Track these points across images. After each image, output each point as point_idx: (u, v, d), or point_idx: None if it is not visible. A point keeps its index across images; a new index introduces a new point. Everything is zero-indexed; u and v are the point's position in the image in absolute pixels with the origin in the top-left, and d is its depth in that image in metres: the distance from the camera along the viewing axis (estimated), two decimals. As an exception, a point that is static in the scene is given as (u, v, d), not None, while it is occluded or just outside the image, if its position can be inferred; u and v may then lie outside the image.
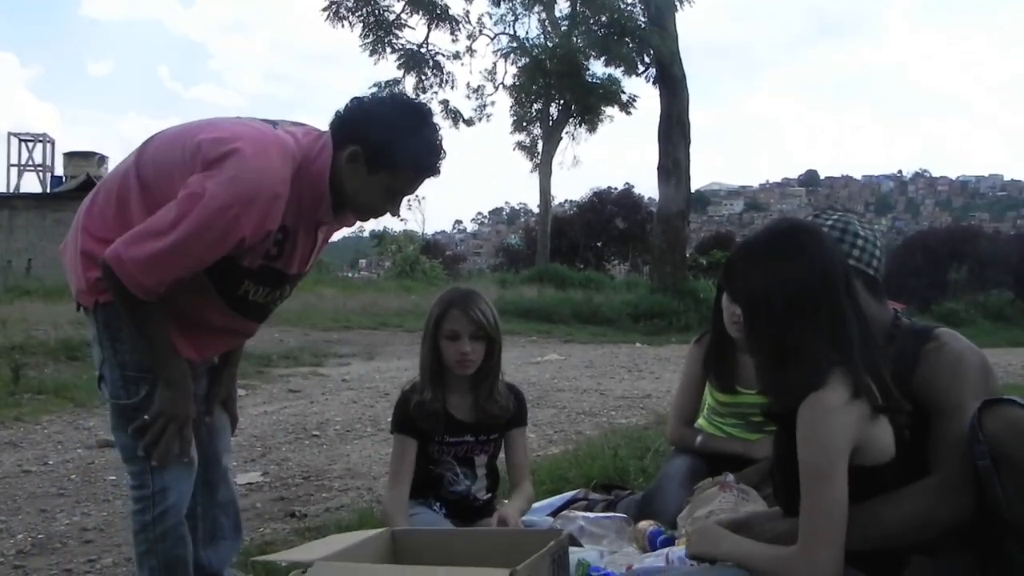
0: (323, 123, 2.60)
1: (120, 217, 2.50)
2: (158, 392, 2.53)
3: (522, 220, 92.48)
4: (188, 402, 2.57)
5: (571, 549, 2.84)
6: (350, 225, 2.84)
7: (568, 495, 4.02)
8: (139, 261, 2.34)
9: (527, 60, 29.90)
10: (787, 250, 2.12)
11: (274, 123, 2.59)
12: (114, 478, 5.38)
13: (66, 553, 4.04)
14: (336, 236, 3.13)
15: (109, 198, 2.56)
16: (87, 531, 4.36)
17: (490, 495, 3.33)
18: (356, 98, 2.55)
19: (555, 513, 3.56)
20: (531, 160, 35.83)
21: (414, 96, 28.63)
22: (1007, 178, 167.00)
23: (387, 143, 2.44)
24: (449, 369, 3.18)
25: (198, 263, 2.43)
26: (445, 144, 2.58)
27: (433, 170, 2.55)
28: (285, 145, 2.47)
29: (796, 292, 2.07)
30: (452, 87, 28.93)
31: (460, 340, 3.13)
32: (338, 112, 2.54)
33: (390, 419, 3.33)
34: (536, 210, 40.34)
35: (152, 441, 2.51)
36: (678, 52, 22.19)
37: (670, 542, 3.08)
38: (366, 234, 43.33)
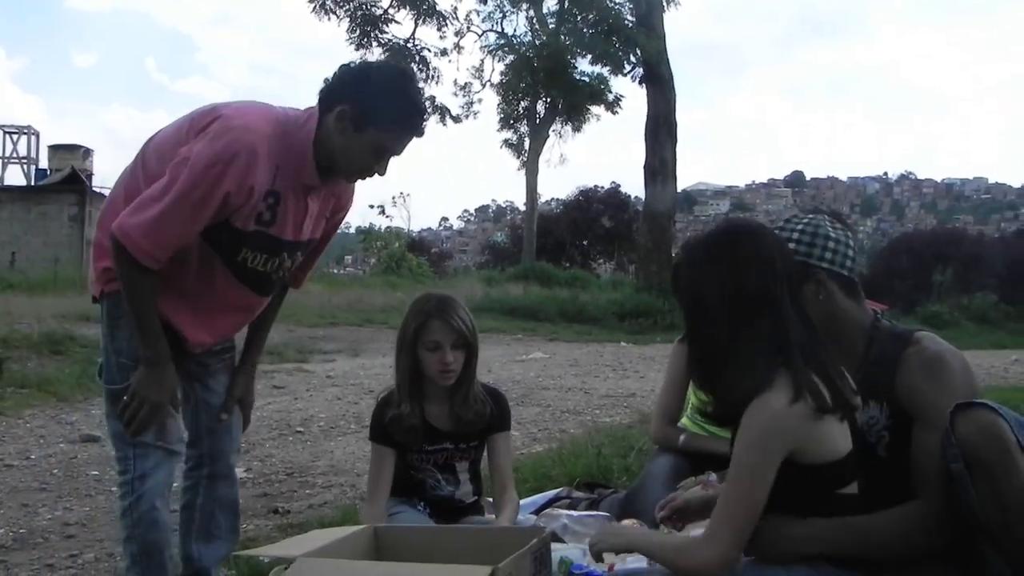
0: None
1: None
2: (136, 372, 2.59)
3: (508, 218, 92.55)
4: (164, 388, 2.62)
5: (554, 546, 2.85)
6: (342, 195, 2.88)
7: (551, 493, 4.03)
8: (140, 226, 2.45)
9: (514, 57, 29.90)
10: (725, 252, 2.11)
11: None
12: (96, 473, 5.37)
13: (48, 548, 4.03)
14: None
15: (118, 194, 2.68)
16: (69, 526, 4.35)
17: (476, 497, 3.33)
18: (343, 64, 2.64)
19: (538, 511, 3.57)
20: (518, 158, 35.82)
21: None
22: (992, 181, 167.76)
23: (374, 101, 2.51)
24: (428, 379, 3.12)
25: (192, 223, 2.51)
26: (430, 130, 2.70)
27: (418, 129, 2.62)
28: (268, 109, 2.60)
29: (734, 294, 2.07)
30: (439, 83, 28.98)
31: (442, 350, 3.06)
32: (326, 79, 2.62)
33: (368, 424, 3.33)
34: (522, 208, 40.36)
35: (128, 419, 2.60)
36: (665, 52, 22.26)
37: (653, 541, 3.08)
38: (352, 230, 43.29)
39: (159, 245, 2.48)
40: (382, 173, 2.67)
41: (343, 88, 2.56)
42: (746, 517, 2.02)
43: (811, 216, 2.47)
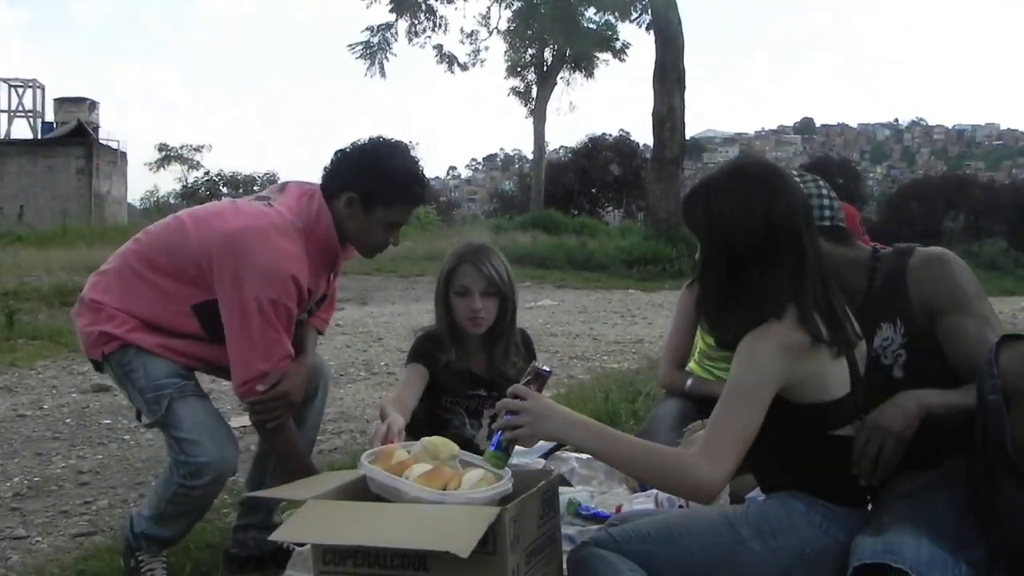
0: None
1: (123, 284, 2.78)
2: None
3: (516, 166, 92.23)
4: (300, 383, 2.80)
5: (561, 489, 2.88)
6: (347, 259, 3.02)
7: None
8: (252, 362, 2.67)
9: (521, 4, 29.61)
10: (753, 186, 2.10)
11: (268, 200, 2.86)
12: (108, 422, 5.42)
13: (62, 495, 4.08)
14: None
15: (110, 269, 2.84)
16: (82, 474, 4.40)
17: None
18: (339, 151, 2.83)
19: (546, 455, 3.59)
20: (526, 106, 35.67)
21: (407, 40, 28.50)
22: (1004, 127, 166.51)
23: (376, 184, 2.72)
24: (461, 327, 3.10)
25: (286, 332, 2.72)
26: (424, 170, 2.88)
27: (423, 198, 2.86)
28: (283, 223, 2.72)
29: (762, 224, 2.06)
30: (445, 31, 28.74)
31: (471, 296, 3.02)
32: (326, 167, 2.82)
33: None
34: (531, 156, 40.22)
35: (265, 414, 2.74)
36: (674, -3, 21.98)
37: (660, 483, 3.10)
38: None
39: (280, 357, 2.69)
40: (395, 243, 2.88)
41: (345, 176, 2.75)
42: (743, 437, 2.01)
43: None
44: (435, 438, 2.38)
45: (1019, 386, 1.98)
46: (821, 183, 2.45)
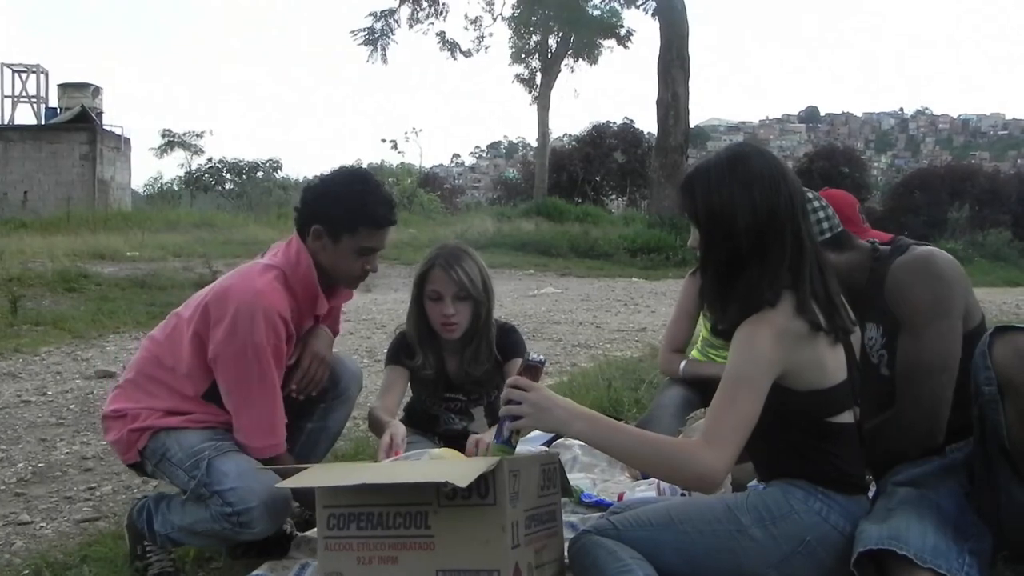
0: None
1: (139, 389, 2.79)
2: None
3: (520, 154, 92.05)
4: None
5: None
6: (347, 299, 3.06)
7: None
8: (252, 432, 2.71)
9: (525, -10, 29.54)
10: (754, 178, 2.10)
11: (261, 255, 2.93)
12: (113, 408, 5.43)
13: (66, 481, 4.09)
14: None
15: (127, 379, 2.84)
16: (87, 459, 4.41)
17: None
18: (306, 187, 2.88)
19: (549, 443, 3.60)
20: (530, 93, 35.58)
21: (408, 27, 28.42)
22: (1009, 117, 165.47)
23: (337, 211, 2.74)
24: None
25: (275, 394, 2.73)
26: (391, 195, 2.90)
27: (387, 219, 2.80)
28: (263, 270, 2.76)
29: (764, 214, 2.06)
30: (447, 18, 28.64)
31: (442, 302, 3.02)
32: (295, 207, 2.85)
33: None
34: (534, 144, 40.16)
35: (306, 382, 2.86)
36: (678, -18, 21.93)
37: (662, 472, 3.11)
38: (363, 167, 43.14)
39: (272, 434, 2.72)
40: (374, 270, 2.88)
41: (310, 210, 2.78)
42: (743, 425, 2.02)
43: None
44: (443, 450, 2.44)
45: (1012, 378, 1.98)
46: (811, 195, 2.44)
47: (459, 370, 3.15)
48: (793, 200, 2.10)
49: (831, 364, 2.10)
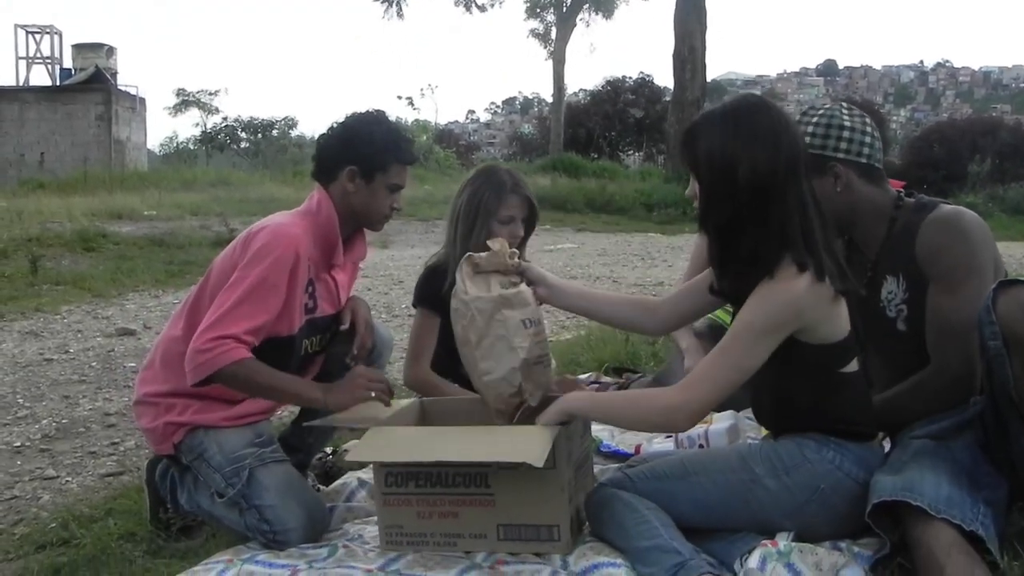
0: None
1: (168, 368, 2.69)
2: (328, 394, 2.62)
3: (535, 110, 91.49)
4: (349, 394, 2.62)
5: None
6: (361, 257, 3.01)
7: (581, 378, 4.07)
8: (223, 321, 2.50)
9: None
10: (758, 127, 2.05)
11: None
12: (133, 364, 5.48)
13: (89, 437, 4.15)
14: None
15: (154, 359, 2.77)
16: (109, 415, 4.48)
17: None
18: (322, 135, 2.86)
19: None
20: (545, 48, 35.30)
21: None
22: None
23: (370, 151, 2.75)
24: None
25: (269, 307, 2.57)
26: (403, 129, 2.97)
27: (413, 156, 2.87)
28: (287, 213, 2.80)
29: (765, 170, 2.02)
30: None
31: (514, 223, 3.05)
32: (314, 156, 2.86)
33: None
34: (550, 99, 39.90)
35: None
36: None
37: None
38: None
39: (249, 330, 2.51)
40: (400, 208, 2.90)
41: (338, 152, 2.78)
42: (729, 379, 2.04)
43: (825, 107, 2.43)
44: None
45: (1017, 331, 1.97)
46: (867, 120, 2.40)
47: None
48: (797, 158, 2.05)
49: (840, 318, 2.10)
